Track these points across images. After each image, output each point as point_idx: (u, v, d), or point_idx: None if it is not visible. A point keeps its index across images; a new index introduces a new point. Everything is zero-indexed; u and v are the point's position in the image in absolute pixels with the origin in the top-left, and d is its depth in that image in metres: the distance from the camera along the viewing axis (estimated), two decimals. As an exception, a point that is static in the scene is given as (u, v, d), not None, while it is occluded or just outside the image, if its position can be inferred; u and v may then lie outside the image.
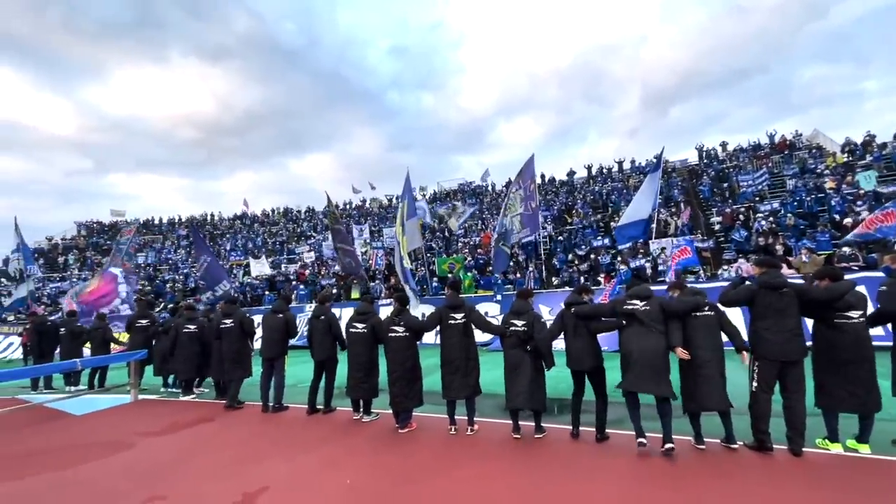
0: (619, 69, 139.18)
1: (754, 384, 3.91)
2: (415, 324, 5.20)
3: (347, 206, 31.52)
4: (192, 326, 7.46)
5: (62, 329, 9.03)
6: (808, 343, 3.91)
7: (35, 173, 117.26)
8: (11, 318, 18.46)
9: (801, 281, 8.18)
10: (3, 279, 23.84)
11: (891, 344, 4.05)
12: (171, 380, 8.19)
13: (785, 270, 9.79)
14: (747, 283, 4.25)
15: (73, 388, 8.60)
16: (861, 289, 6.86)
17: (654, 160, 23.23)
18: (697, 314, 4.06)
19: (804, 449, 3.75)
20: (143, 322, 8.29)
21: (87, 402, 7.53)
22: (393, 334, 5.16)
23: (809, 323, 4.06)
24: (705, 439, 4.03)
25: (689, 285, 4.75)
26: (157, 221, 35.62)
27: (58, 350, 9.17)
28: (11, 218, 15.56)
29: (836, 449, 3.76)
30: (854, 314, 3.77)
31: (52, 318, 14.11)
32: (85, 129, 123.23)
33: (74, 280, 24.95)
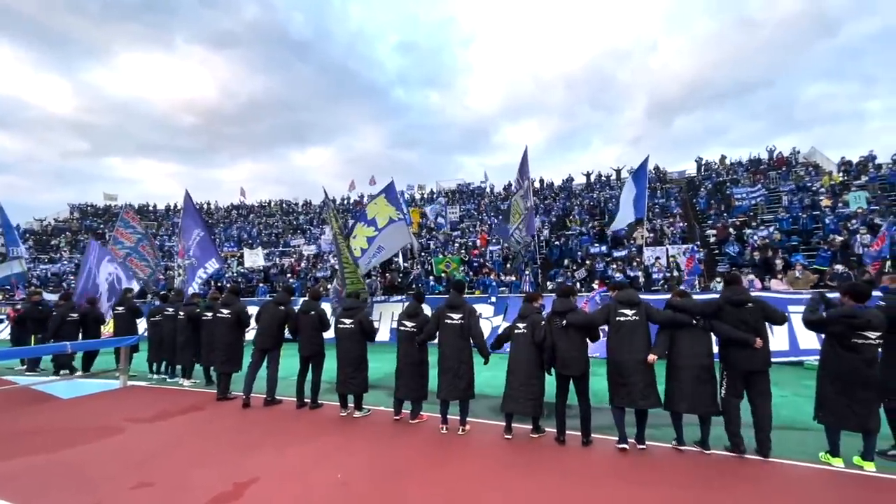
0: (627, 76, 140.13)
1: (723, 391, 4.12)
2: (426, 331, 5.18)
3: (345, 202, 31.44)
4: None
5: (54, 312, 8.93)
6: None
7: (32, 152, 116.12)
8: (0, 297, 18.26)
9: (793, 295, 8.35)
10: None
11: None
12: (162, 366, 8.17)
13: (778, 285, 9.94)
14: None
15: (61, 372, 8.50)
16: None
17: (653, 170, 23.42)
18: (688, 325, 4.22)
19: (808, 465, 3.80)
20: (120, 309, 8.46)
21: (75, 385, 7.45)
22: (402, 328, 5.24)
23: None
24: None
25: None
26: (151, 207, 35.38)
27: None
28: (6, 196, 15.26)
29: (837, 464, 3.77)
30: (872, 335, 3.68)
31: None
32: (84, 109, 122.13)
33: (65, 262, 24.70)
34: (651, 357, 4.15)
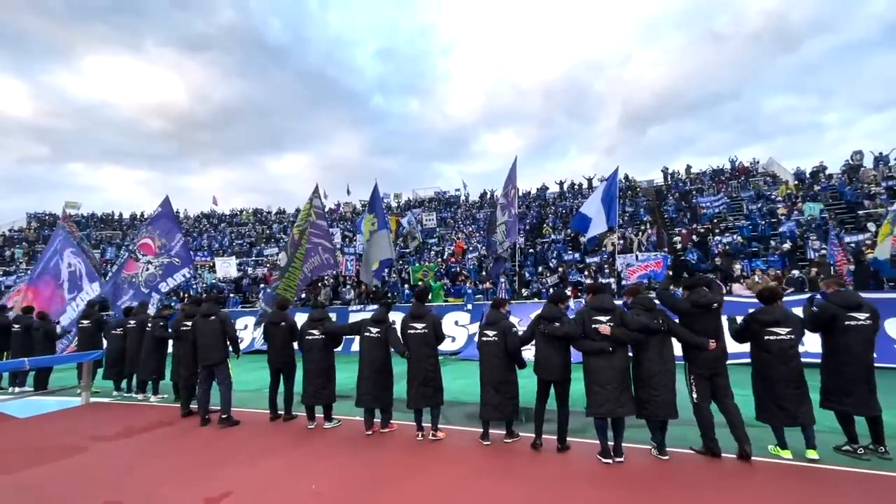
0: (602, 86, 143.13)
1: (695, 396, 4.17)
2: (395, 342, 5.12)
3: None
4: None
5: (15, 326, 8.47)
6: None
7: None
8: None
9: (755, 299, 8.77)
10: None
11: (818, 361, 4.41)
12: (124, 383, 7.84)
13: (741, 289, 10.40)
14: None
15: (17, 390, 8.09)
16: (799, 310, 7.48)
17: (623, 179, 24.14)
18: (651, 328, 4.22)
19: (759, 458, 3.95)
20: (86, 322, 8.05)
21: (32, 404, 7.11)
22: (367, 334, 5.19)
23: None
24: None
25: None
26: (116, 216, 34.10)
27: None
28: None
29: (787, 455, 3.99)
30: (782, 331, 4.01)
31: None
32: (44, 113, 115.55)
33: (21, 274, 23.47)
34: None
